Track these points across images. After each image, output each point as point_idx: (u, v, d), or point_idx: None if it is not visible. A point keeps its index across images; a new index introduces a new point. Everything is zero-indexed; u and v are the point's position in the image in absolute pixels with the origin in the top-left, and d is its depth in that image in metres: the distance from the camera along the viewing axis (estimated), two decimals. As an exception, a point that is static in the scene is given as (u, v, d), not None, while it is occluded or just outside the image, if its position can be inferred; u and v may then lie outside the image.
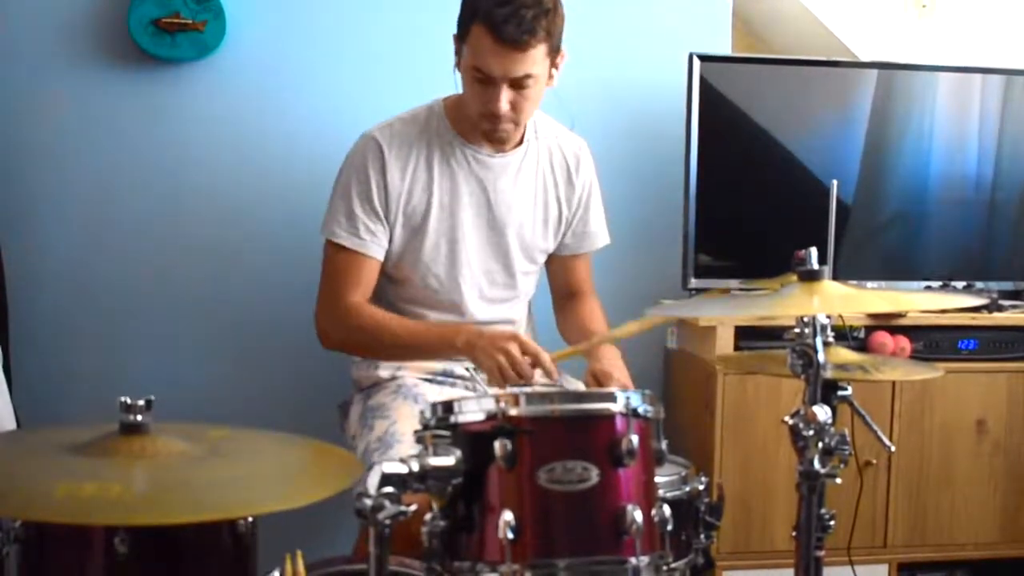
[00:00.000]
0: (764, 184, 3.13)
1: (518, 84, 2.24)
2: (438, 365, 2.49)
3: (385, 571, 1.35)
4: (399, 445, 2.18)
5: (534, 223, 2.51)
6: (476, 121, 2.34)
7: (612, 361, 2.37)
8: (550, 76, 2.31)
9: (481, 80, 2.25)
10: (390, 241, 2.42)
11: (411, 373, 2.46)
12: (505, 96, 2.25)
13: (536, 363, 2.16)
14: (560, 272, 2.65)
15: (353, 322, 2.37)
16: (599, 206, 2.62)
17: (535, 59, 2.22)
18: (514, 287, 2.54)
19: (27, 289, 2.91)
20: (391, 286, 2.49)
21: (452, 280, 2.46)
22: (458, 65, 2.32)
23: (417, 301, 2.48)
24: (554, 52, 2.27)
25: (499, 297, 2.53)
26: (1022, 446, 3.01)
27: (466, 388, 2.47)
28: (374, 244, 2.38)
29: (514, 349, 2.15)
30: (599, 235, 2.64)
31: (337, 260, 2.40)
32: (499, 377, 2.16)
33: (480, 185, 2.44)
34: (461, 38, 2.27)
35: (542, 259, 2.59)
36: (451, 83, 2.43)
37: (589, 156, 2.59)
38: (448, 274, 2.46)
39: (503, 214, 2.47)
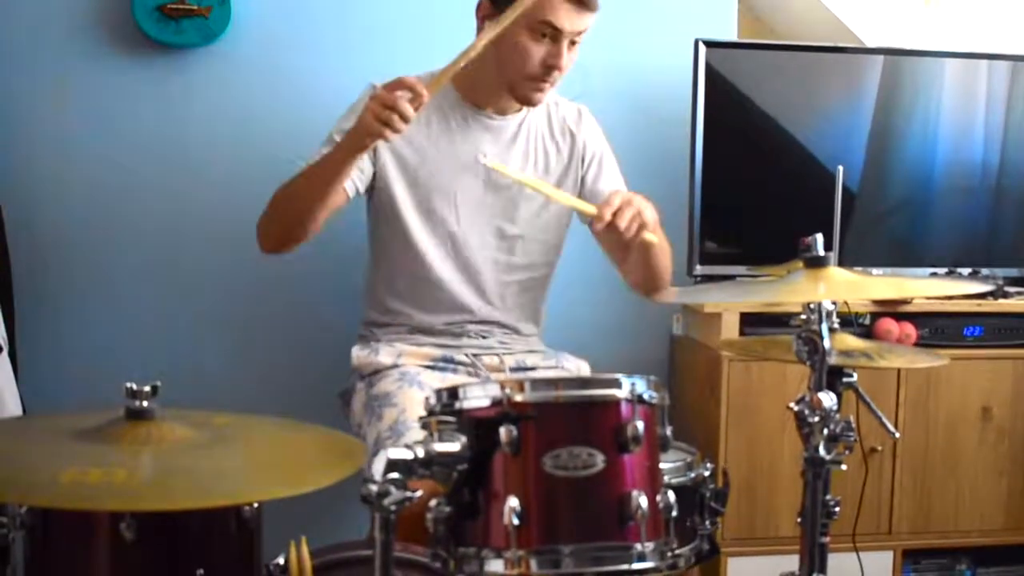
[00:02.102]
0: (770, 170, 3.13)
1: (574, 41, 2.31)
2: (438, 352, 2.50)
3: (390, 557, 1.35)
4: (410, 433, 2.18)
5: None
6: (523, 81, 2.34)
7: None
8: None
9: (545, 37, 2.28)
10: (383, 191, 2.43)
11: (412, 360, 2.47)
12: (566, 52, 2.30)
13: (405, 88, 2.11)
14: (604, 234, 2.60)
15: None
16: (613, 168, 2.60)
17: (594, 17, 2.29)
18: (511, 251, 2.53)
19: (33, 275, 2.92)
20: (394, 250, 2.50)
21: (448, 239, 2.47)
22: (485, 25, 2.29)
23: (428, 257, 2.48)
24: None
25: (492, 260, 2.52)
26: (1027, 433, 3.02)
27: (468, 374, 2.48)
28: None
29: (381, 91, 2.12)
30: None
31: None
32: (379, 125, 2.10)
33: (476, 145, 2.45)
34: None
35: (551, 226, 2.56)
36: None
37: (591, 117, 2.60)
38: (436, 230, 2.46)
39: (496, 175, 2.46)
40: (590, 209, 2.24)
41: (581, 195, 2.55)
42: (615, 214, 2.19)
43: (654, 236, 2.27)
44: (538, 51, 2.30)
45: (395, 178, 2.44)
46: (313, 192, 2.28)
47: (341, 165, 2.24)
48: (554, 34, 2.27)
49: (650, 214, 2.24)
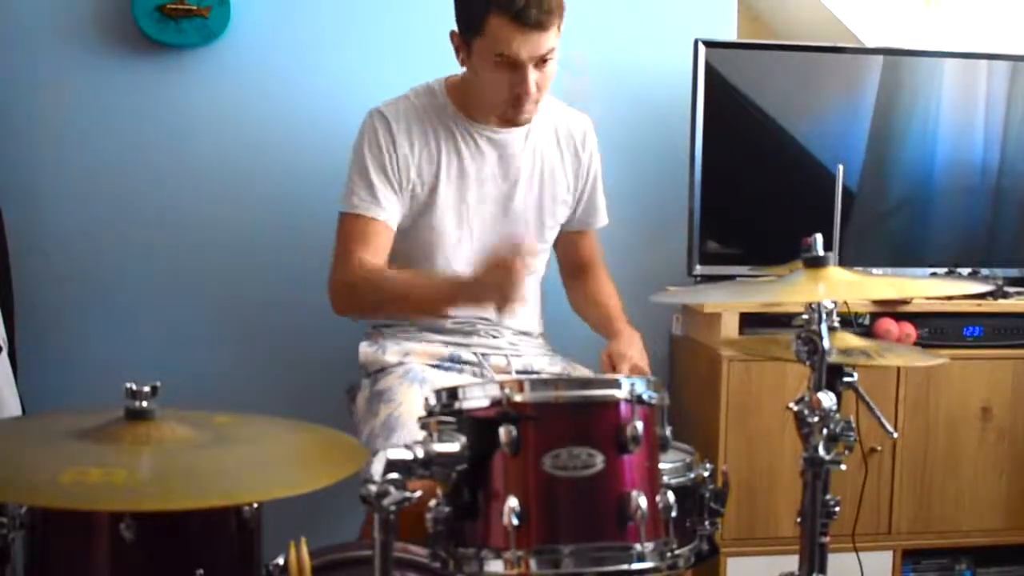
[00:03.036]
0: (769, 170, 3.13)
1: (540, 64, 2.27)
2: (445, 350, 2.50)
3: (390, 557, 1.35)
4: (402, 430, 2.18)
5: (541, 198, 2.52)
6: (500, 108, 2.36)
7: (629, 341, 2.39)
8: None
9: (507, 66, 2.26)
10: (405, 221, 2.44)
11: (418, 359, 2.47)
12: (533, 77, 2.27)
13: (519, 254, 2.06)
14: (571, 247, 2.68)
15: (360, 274, 2.33)
16: (601, 184, 2.65)
17: (553, 36, 2.25)
18: (537, 263, 2.56)
19: (33, 275, 2.92)
20: (404, 266, 2.50)
21: (457, 256, 2.47)
22: (465, 59, 2.34)
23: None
24: (562, 21, 2.29)
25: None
26: (1027, 433, 3.01)
27: (473, 374, 2.48)
28: (390, 212, 2.39)
29: (501, 265, 2.05)
30: (603, 214, 2.68)
31: (353, 227, 2.39)
32: (508, 298, 2.07)
33: (485, 161, 2.45)
34: (474, 32, 2.26)
35: (552, 234, 2.60)
36: (454, 68, 2.43)
37: (594, 133, 2.61)
38: (455, 250, 2.47)
39: (508, 190, 2.48)
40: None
41: (576, 209, 2.61)
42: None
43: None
44: (504, 81, 2.29)
45: (410, 207, 2.44)
46: (406, 313, 2.48)
47: (425, 305, 2.33)
48: (513, 63, 2.25)
49: (644, 354, 2.42)
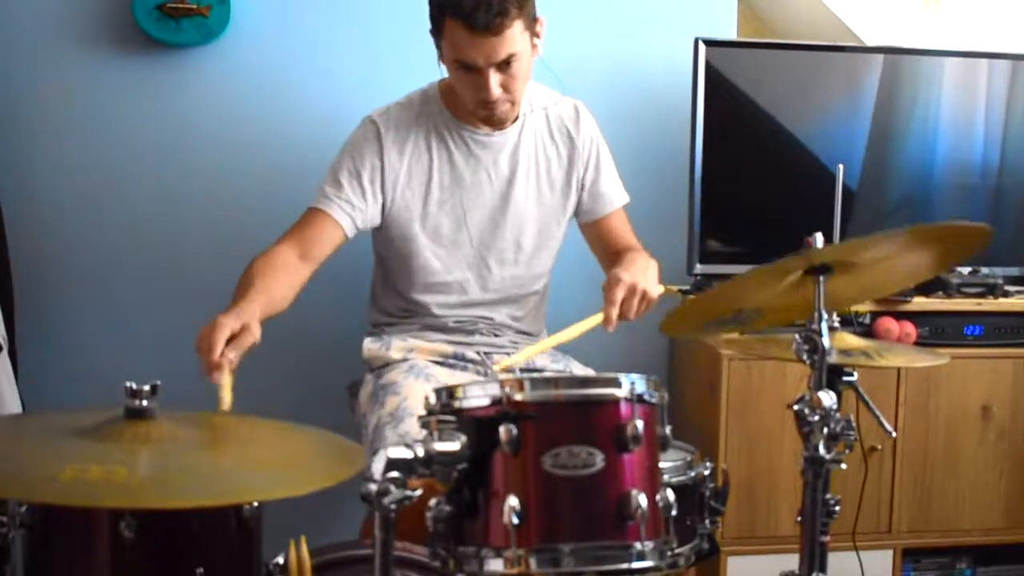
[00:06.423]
0: (770, 169, 3.13)
1: (503, 66, 2.25)
2: (449, 348, 2.50)
3: (390, 556, 1.35)
4: (410, 419, 2.19)
5: (540, 193, 2.51)
6: (472, 109, 2.36)
7: (630, 267, 2.30)
8: (533, 47, 2.31)
9: (467, 70, 2.26)
10: (393, 226, 2.43)
11: (422, 355, 2.47)
12: (495, 81, 2.26)
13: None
14: (597, 236, 2.62)
15: (259, 255, 2.33)
16: (610, 164, 2.59)
17: (514, 38, 2.21)
18: (528, 264, 2.54)
19: (34, 273, 2.92)
20: (403, 273, 2.50)
21: (457, 262, 2.47)
22: (441, 59, 2.32)
23: (426, 287, 2.49)
24: (532, 23, 2.27)
25: (511, 275, 2.53)
26: (1027, 432, 3.01)
27: (477, 372, 2.48)
28: (346, 213, 2.37)
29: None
30: (616, 195, 2.61)
31: (303, 218, 2.39)
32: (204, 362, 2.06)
33: (480, 164, 2.45)
34: (438, 35, 2.27)
35: (559, 230, 2.57)
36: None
37: (588, 115, 2.57)
38: (452, 256, 2.46)
39: (506, 190, 2.47)
40: (598, 319, 2.22)
41: (581, 198, 2.57)
42: (622, 308, 2.21)
43: (661, 288, 2.29)
44: (468, 84, 2.29)
45: (403, 215, 2.43)
46: None
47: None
48: (470, 68, 2.25)
49: (651, 278, 2.28)
